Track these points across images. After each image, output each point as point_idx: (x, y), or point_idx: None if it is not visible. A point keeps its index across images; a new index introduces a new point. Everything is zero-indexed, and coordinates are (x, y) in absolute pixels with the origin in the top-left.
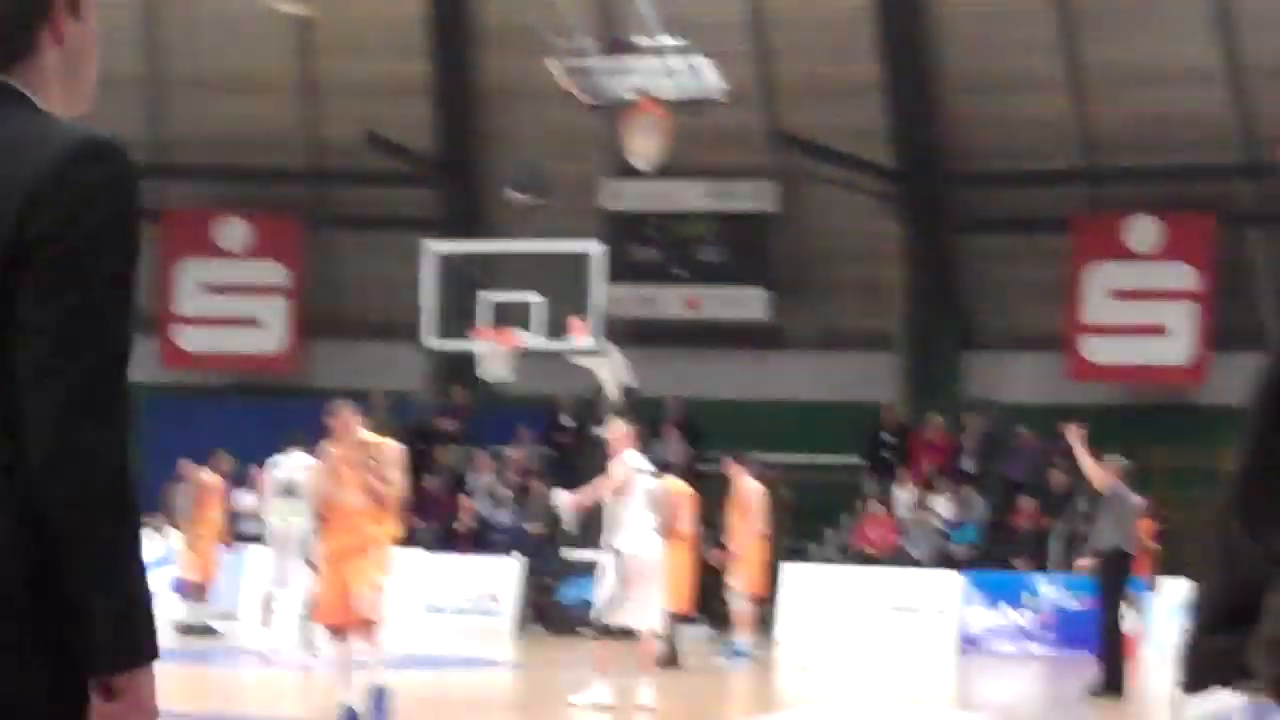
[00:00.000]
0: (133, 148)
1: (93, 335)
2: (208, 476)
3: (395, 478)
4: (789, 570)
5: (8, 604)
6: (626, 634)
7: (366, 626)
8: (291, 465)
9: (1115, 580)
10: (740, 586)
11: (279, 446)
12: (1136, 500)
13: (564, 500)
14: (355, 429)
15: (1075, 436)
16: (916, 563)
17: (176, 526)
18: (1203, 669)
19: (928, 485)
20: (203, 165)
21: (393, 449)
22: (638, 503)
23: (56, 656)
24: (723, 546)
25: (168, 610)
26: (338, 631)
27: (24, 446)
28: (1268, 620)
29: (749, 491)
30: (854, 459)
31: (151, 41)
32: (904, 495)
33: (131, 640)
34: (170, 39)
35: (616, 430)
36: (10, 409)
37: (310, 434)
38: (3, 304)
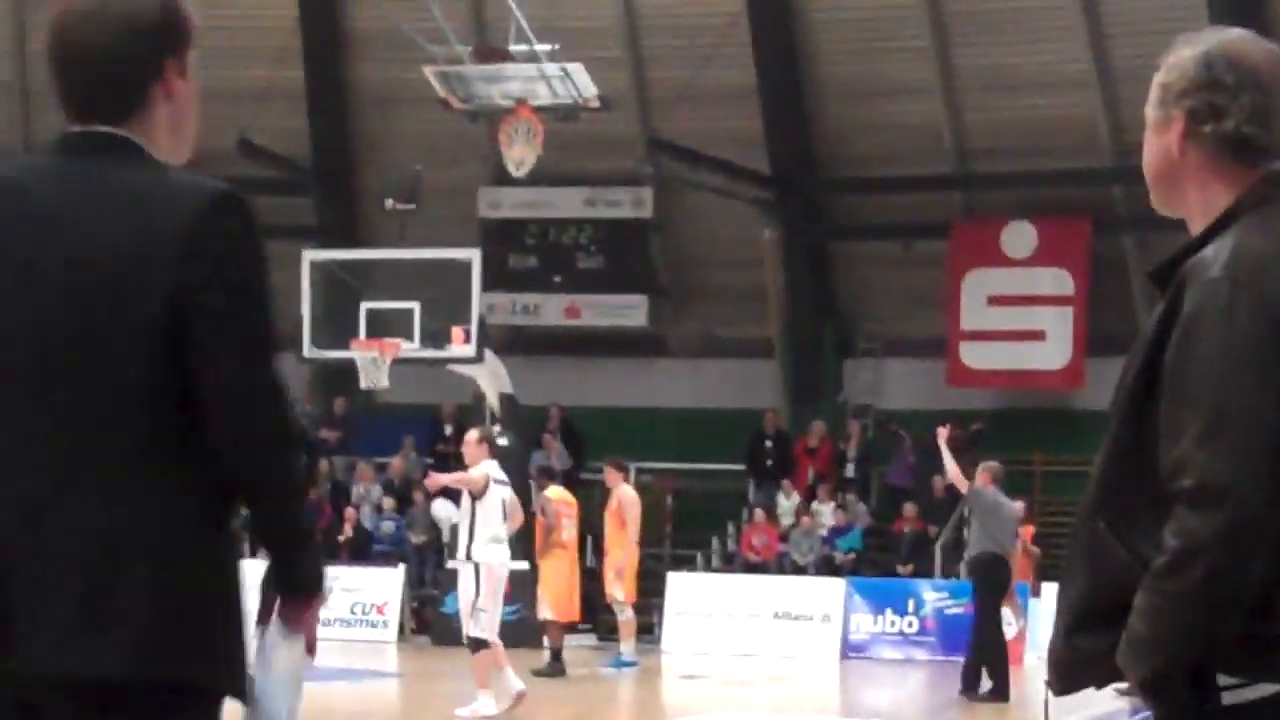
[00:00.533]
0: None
1: (264, 352)
2: None
3: None
4: (674, 578)
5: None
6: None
7: None
8: None
9: (990, 585)
10: (621, 596)
11: None
12: (1010, 505)
13: (431, 481)
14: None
15: (941, 438)
16: (801, 569)
17: None
18: (1072, 670)
19: (810, 492)
20: None
21: None
22: (493, 513)
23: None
24: (601, 555)
25: None
26: None
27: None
28: (1135, 620)
29: (626, 500)
30: (736, 466)
31: (22, 50)
32: (787, 502)
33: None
34: (37, 46)
35: (471, 440)
36: (174, 429)
37: None
38: (170, 341)
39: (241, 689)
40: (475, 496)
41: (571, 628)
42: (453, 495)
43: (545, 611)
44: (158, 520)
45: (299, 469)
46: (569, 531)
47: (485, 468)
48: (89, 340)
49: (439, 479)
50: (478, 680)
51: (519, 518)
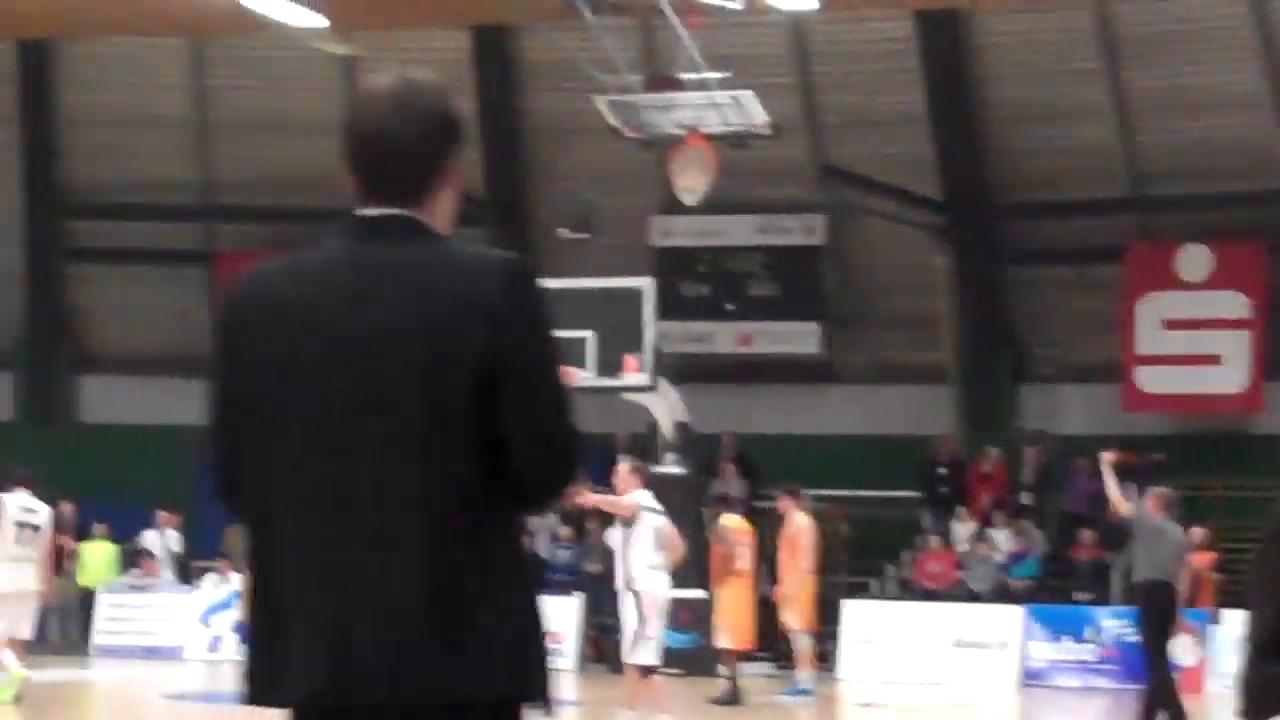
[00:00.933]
0: (183, 190)
1: (563, 403)
2: None
3: None
4: (849, 606)
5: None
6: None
7: None
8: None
9: (1153, 611)
10: (795, 624)
11: None
12: (1175, 530)
13: (582, 498)
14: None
15: (1105, 462)
16: (976, 597)
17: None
18: (1261, 697)
19: (985, 519)
20: (253, 207)
21: None
22: (645, 541)
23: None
24: (776, 582)
25: (228, 653)
26: None
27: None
28: None
29: (799, 527)
30: (910, 493)
31: (199, 84)
32: (962, 529)
33: None
34: (217, 82)
35: (623, 470)
36: (482, 475)
37: None
38: (480, 397)
39: (547, 697)
40: (626, 524)
41: (748, 656)
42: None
43: (722, 640)
44: (476, 557)
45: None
46: (745, 560)
47: (636, 497)
48: (401, 403)
49: (589, 498)
50: (653, 705)
51: (677, 546)
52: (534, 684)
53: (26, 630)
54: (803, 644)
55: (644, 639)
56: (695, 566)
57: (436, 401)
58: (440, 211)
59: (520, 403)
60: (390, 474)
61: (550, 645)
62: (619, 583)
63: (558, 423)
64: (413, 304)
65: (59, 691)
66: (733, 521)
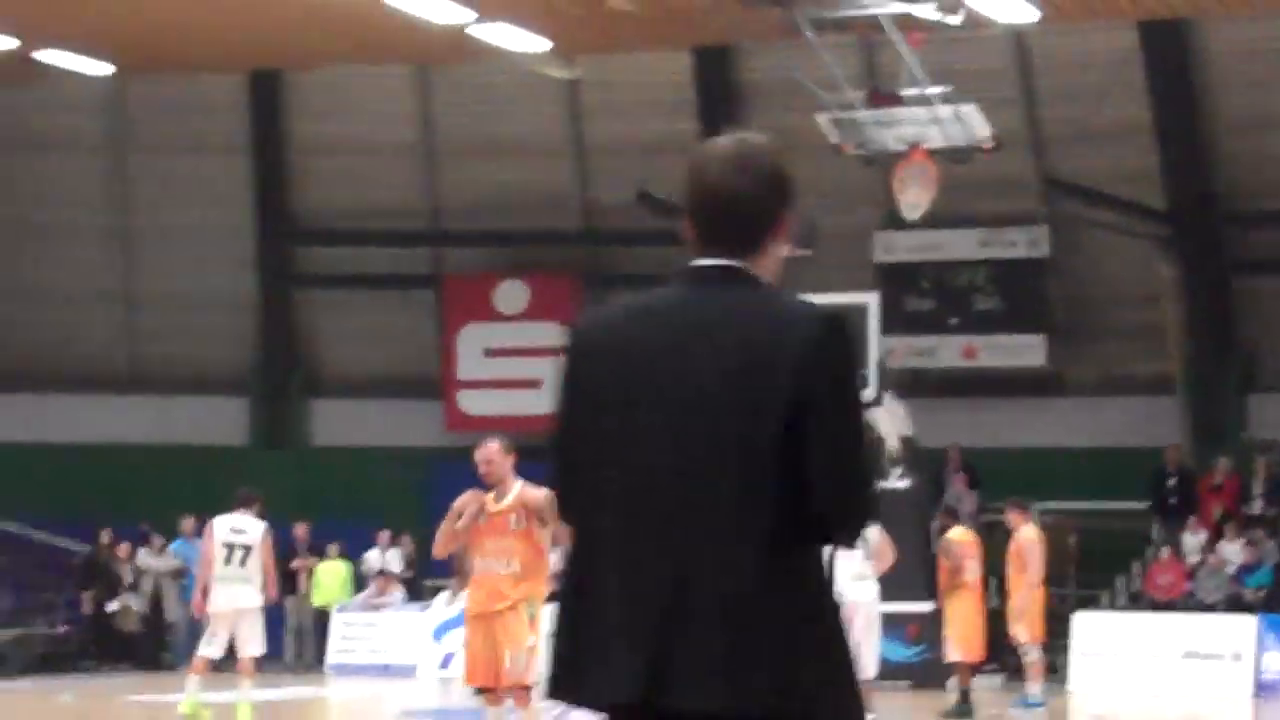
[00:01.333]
0: (409, 216)
1: (862, 446)
2: None
3: (546, 531)
4: (1080, 618)
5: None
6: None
7: (520, 691)
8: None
9: None
10: (1024, 636)
11: None
12: None
13: None
14: (509, 476)
15: None
16: (1209, 608)
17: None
18: None
19: (1217, 530)
20: (479, 230)
21: (540, 496)
22: (853, 552)
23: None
24: (1004, 595)
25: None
26: (487, 694)
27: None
28: None
29: (1027, 541)
30: (1138, 504)
31: (424, 110)
32: (1193, 540)
33: None
34: (441, 107)
35: None
36: (789, 501)
37: None
38: (789, 435)
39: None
40: None
41: (978, 668)
42: None
43: (952, 653)
44: (784, 582)
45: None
46: (973, 572)
47: None
48: (722, 434)
49: None
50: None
51: (887, 556)
52: (812, 706)
53: (255, 647)
54: (1032, 656)
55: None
56: (924, 579)
57: (749, 437)
58: (769, 263)
59: (824, 445)
60: (704, 502)
61: (847, 670)
62: None
63: (856, 465)
64: (733, 347)
65: (294, 709)
66: (959, 534)
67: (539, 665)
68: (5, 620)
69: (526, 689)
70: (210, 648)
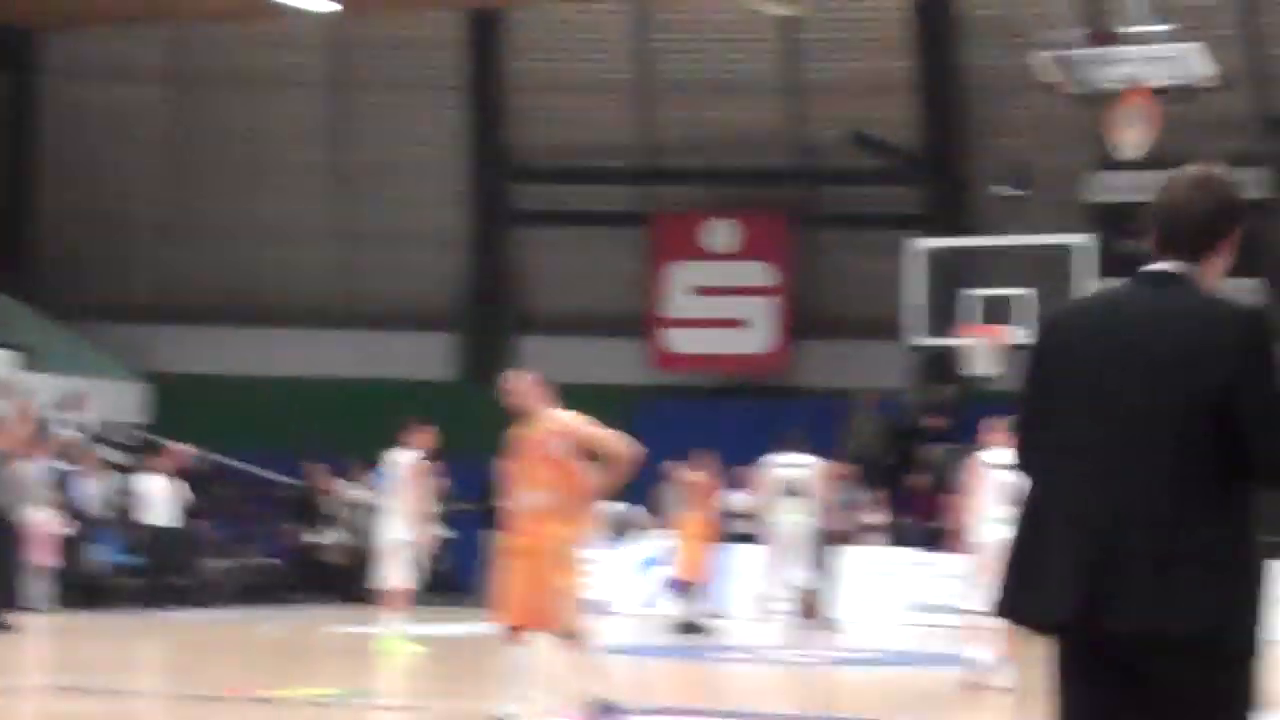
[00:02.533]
0: (623, 152)
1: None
2: (697, 476)
3: (588, 467)
4: None
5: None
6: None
7: (566, 634)
8: (790, 464)
9: None
10: None
11: (768, 446)
12: None
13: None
14: (539, 405)
15: None
16: None
17: (668, 527)
18: None
19: None
20: (692, 168)
21: (581, 424)
22: (990, 496)
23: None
24: None
25: (662, 608)
26: (515, 633)
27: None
28: None
29: None
30: None
31: (641, 48)
32: None
33: None
34: (658, 45)
35: (989, 428)
36: (1211, 464)
37: (801, 433)
38: (1224, 411)
39: (1252, 645)
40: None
41: None
42: None
43: None
44: (1210, 523)
45: None
46: None
47: (988, 455)
48: (1169, 402)
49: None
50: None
51: None
52: (1245, 633)
53: (395, 579)
54: None
55: (975, 586)
56: None
57: (1189, 406)
58: (1213, 271)
59: (1254, 421)
60: (1147, 454)
61: (1256, 598)
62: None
63: (1277, 424)
64: (1170, 340)
65: (476, 645)
66: None
67: (576, 612)
68: (216, 550)
69: (572, 635)
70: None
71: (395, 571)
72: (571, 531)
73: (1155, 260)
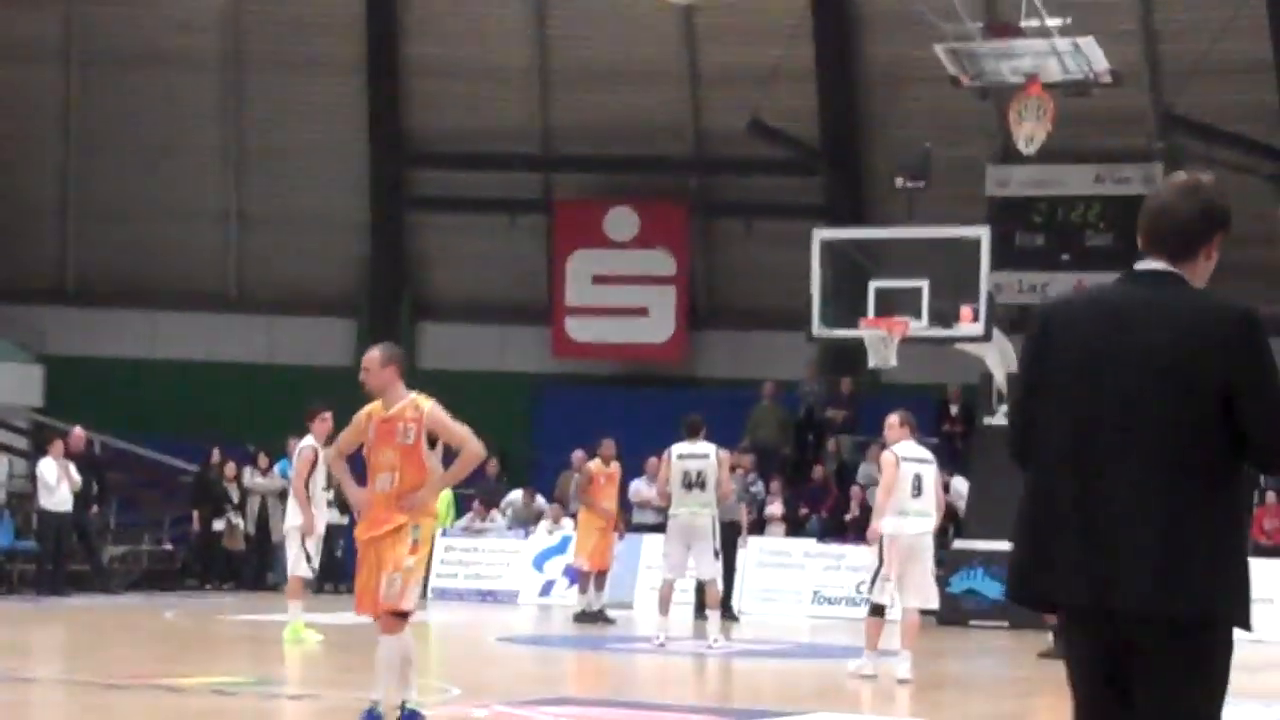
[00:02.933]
0: (523, 138)
1: (1277, 399)
2: (600, 466)
3: (435, 454)
4: None
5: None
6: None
7: (390, 623)
8: (690, 454)
9: None
10: None
11: (668, 435)
12: None
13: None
14: (394, 387)
15: None
16: None
17: (570, 515)
18: None
19: None
20: (591, 156)
21: (434, 411)
22: (899, 487)
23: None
24: None
25: (562, 598)
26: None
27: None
28: None
29: None
30: None
31: (540, 34)
32: None
33: None
34: (557, 31)
35: (893, 422)
36: (1204, 453)
37: (700, 421)
38: (1222, 401)
39: (1247, 621)
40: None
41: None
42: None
43: None
44: (1206, 508)
45: None
46: None
47: (898, 449)
48: (1167, 394)
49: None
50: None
51: (941, 499)
52: (1239, 610)
53: (292, 567)
54: None
55: (883, 580)
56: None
57: (1187, 398)
58: (1199, 273)
59: (1252, 413)
60: (1149, 443)
61: (1246, 576)
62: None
63: (1275, 418)
64: (1165, 335)
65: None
66: None
67: (416, 591)
68: (114, 536)
69: (400, 615)
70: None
71: (296, 559)
72: (414, 518)
73: (1145, 261)
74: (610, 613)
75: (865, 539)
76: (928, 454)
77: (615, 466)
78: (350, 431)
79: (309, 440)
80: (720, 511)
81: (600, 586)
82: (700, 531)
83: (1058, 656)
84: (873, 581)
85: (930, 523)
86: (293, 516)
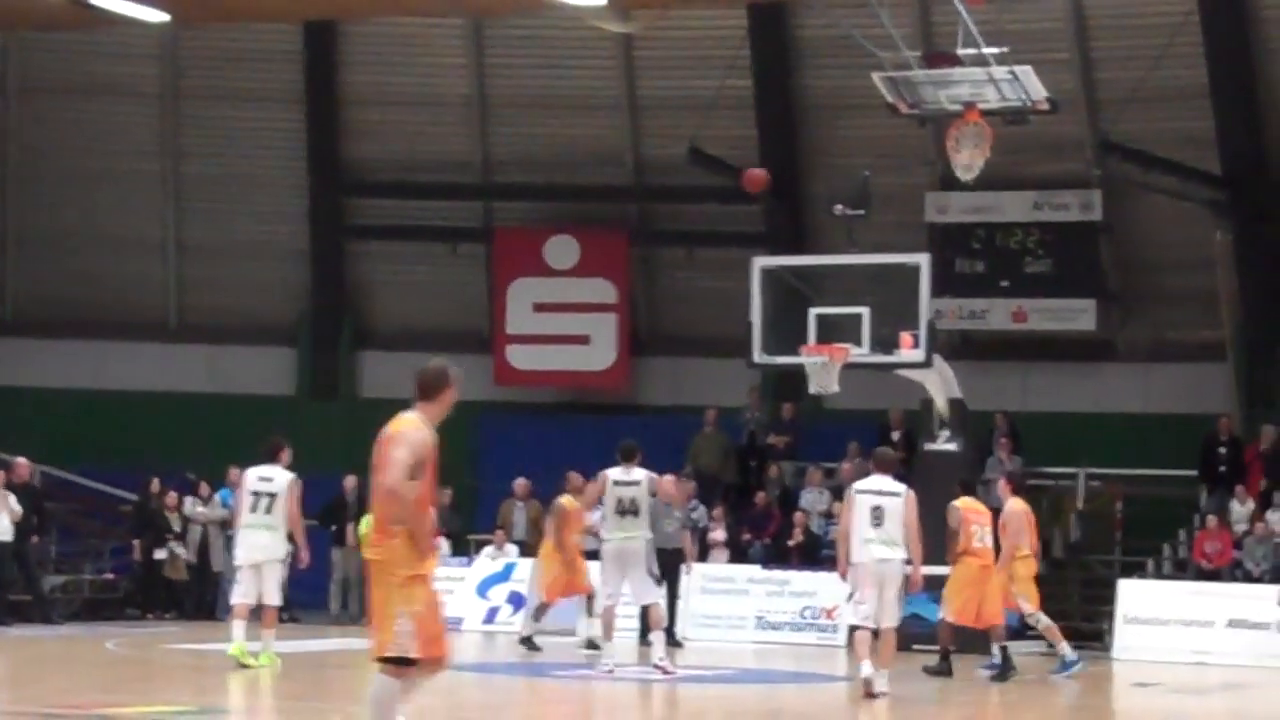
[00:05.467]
0: (461, 168)
1: None
2: (570, 501)
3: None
4: (1124, 585)
5: None
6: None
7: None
8: (624, 480)
9: None
10: (1027, 607)
11: (610, 462)
12: None
13: None
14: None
15: None
16: (1255, 578)
17: (517, 543)
18: None
19: (1265, 499)
20: (530, 184)
21: (384, 445)
22: (861, 518)
23: None
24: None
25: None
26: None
27: None
28: None
29: (1009, 513)
30: (1188, 472)
31: (478, 63)
32: (1241, 509)
33: None
34: (494, 60)
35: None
36: None
37: (634, 446)
38: None
39: None
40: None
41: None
42: None
43: (946, 613)
44: None
45: None
46: (979, 539)
47: (858, 484)
48: None
49: None
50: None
51: (913, 521)
52: None
53: (272, 598)
54: (1045, 622)
55: (856, 603)
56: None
57: None
58: None
59: None
60: None
61: None
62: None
63: None
64: None
65: (339, 661)
66: (965, 502)
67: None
68: (54, 566)
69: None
70: (239, 596)
71: (270, 588)
72: (394, 549)
73: None
74: (539, 641)
75: (807, 564)
76: (896, 487)
77: (582, 500)
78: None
79: (286, 473)
80: (662, 539)
81: (590, 612)
82: (634, 557)
83: (940, 674)
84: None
85: (897, 551)
86: (278, 547)
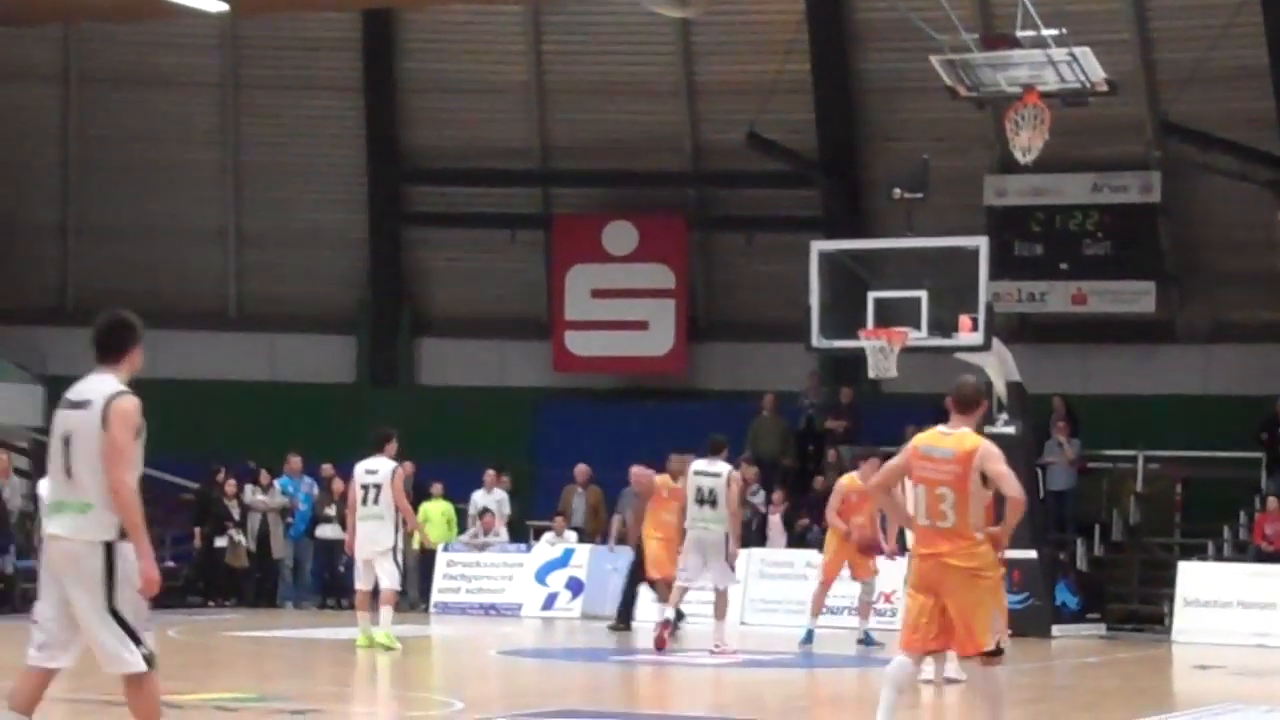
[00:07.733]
0: (520, 154)
1: None
2: (666, 481)
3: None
4: (1184, 568)
5: None
6: None
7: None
8: (706, 471)
9: None
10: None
11: (668, 448)
12: None
13: None
14: None
15: None
16: None
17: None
18: None
19: None
20: (588, 170)
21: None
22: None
23: None
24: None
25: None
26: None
27: None
28: None
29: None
30: (1248, 454)
31: (537, 49)
32: None
33: None
34: (552, 46)
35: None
36: None
37: (722, 439)
38: None
39: None
40: None
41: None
42: None
43: None
44: None
45: None
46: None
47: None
48: None
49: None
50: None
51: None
52: None
53: (386, 580)
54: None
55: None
56: (1027, 527)
57: None
58: None
59: None
60: None
61: None
62: None
63: None
64: None
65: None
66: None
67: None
68: None
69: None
70: (361, 582)
71: (384, 575)
72: (984, 555)
73: None
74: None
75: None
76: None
77: (682, 482)
78: None
79: (390, 462)
80: (731, 526)
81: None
82: (713, 548)
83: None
84: None
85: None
86: (386, 537)
